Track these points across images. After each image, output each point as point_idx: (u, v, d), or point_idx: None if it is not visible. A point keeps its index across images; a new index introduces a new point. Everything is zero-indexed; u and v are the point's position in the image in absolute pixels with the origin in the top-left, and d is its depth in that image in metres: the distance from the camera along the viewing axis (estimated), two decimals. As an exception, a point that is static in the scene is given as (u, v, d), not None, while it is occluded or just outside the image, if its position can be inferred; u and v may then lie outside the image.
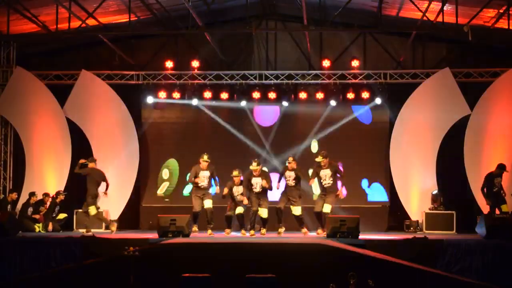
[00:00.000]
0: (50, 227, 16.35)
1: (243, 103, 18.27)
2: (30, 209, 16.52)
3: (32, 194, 16.68)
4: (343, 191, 15.37)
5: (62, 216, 16.77)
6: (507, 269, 12.19)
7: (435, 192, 17.13)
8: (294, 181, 15.16)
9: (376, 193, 18.26)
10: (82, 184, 17.66)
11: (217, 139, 18.65)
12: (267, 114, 18.76)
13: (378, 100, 17.94)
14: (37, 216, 16.44)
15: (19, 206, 16.96)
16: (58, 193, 16.89)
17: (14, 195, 17.00)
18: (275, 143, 18.61)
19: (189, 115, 18.76)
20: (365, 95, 17.91)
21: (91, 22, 16.43)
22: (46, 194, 16.79)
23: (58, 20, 15.62)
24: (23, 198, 17.11)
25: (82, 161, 15.87)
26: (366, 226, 15.81)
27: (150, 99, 18.33)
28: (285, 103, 18.25)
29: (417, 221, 17.18)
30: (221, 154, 18.41)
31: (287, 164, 15.24)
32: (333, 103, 18.11)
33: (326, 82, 18.08)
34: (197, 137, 18.68)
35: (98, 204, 15.82)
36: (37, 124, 17.70)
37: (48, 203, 16.71)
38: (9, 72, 17.86)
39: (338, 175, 15.16)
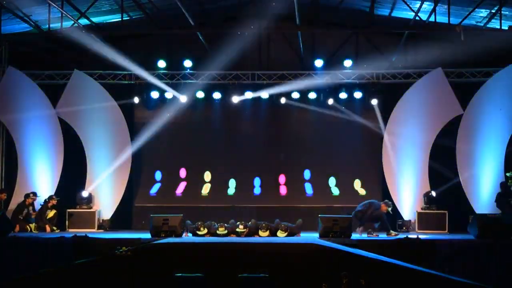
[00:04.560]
0: (48, 229, 16.31)
1: (236, 101, 18.28)
2: (25, 211, 16.50)
3: (33, 194, 16.71)
4: None
5: (51, 213, 16.71)
6: (499, 269, 12.23)
7: (428, 191, 17.17)
8: None
9: (369, 193, 18.25)
10: (76, 184, 17.73)
11: (210, 138, 18.67)
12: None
13: (373, 101, 17.95)
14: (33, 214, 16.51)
15: (12, 206, 16.94)
16: (50, 197, 16.83)
17: (3, 195, 16.94)
18: (268, 143, 18.68)
19: (181, 115, 18.71)
20: (358, 95, 17.95)
21: (83, 21, 16.39)
22: (34, 193, 16.82)
23: (50, 20, 15.58)
24: (17, 198, 17.09)
25: None
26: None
27: (142, 99, 18.29)
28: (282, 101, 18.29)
29: (410, 220, 17.22)
30: (215, 153, 18.51)
31: None
32: (329, 102, 18.13)
33: (318, 82, 18.08)
34: (190, 137, 18.68)
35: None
36: (29, 124, 17.61)
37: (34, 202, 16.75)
38: (1, 71, 17.78)
39: None
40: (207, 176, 18.58)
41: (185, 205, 17.86)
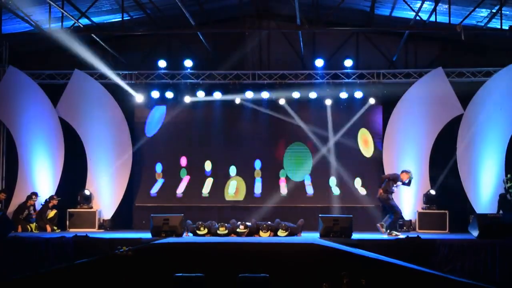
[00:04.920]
0: (48, 229, 16.32)
1: (238, 101, 18.27)
2: (26, 211, 16.52)
3: (34, 195, 16.73)
4: None
5: (52, 213, 16.71)
6: (499, 269, 12.22)
7: (428, 191, 17.16)
8: None
9: (369, 193, 18.23)
10: (75, 184, 17.73)
11: (209, 138, 18.68)
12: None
13: (371, 100, 17.98)
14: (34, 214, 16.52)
15: (13, 206, 16.94)
16: (51, 197, 16.84)
17: (2, 195, 16.95)
18: (268, 142, 18.67)
19: (182, 115, 18.69)
20: (358, 94, 17.95)
21: (84, 21, 16.39)
22: (35, 194, 16.84)
23: (50, 20, 15.58)
24: (17, 198, 17.10)
25: None
26: (359, 225, 15.84)
27: (143, 99, 18.29)
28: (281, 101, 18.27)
29: (410, 220, 17.22)
30: (214, 153, 18.50)
31: None
32: (327, 102, 18.13)
33: (319, 82, 18.09)
34: (190, 136, 18.69)
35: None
36: (30, 123, 17.61)
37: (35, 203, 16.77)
38: (2, 71, 17.78)
39: None
40: (209, 180, 18.64)
41: (186, 205, 17.89)
